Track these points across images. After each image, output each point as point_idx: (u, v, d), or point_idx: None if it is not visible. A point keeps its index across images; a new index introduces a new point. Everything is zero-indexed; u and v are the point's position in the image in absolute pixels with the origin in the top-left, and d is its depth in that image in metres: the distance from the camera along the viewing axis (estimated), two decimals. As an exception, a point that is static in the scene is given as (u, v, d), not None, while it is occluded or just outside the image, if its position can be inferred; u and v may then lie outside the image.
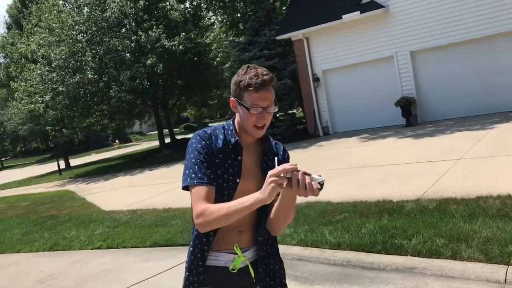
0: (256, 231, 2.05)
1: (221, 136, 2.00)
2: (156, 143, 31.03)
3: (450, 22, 13.59)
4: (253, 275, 2.03)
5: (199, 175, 1.90)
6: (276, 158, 1.87)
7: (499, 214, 4.82)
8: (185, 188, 1.96)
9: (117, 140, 45.27)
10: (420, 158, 9.00)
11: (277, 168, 1.72)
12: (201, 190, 1.88)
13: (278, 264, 2.15)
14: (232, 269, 1.99)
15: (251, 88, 1.87)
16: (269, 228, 2.06)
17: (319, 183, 1.72)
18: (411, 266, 4.19)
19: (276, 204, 1.95)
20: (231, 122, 2.05)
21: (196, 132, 2.03)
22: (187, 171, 1.93)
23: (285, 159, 2.11)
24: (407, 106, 14.40)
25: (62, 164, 25.94)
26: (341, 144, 13.41)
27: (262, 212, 2.02)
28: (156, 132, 30.97)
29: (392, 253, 4.50)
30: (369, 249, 4.68)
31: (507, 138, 9.27)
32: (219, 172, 1.94)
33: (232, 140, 1.98)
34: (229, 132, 2.01)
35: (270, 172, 1.72)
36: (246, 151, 2.01)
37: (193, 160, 1.93)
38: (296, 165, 1.72)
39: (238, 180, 1.97)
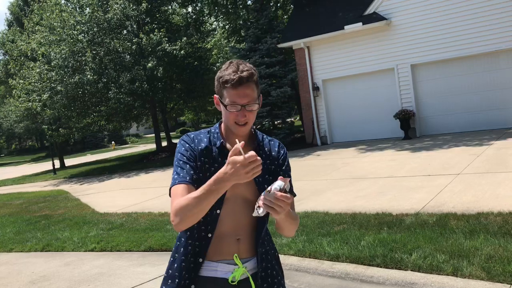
0: (256, 240, 1.96)
1: (205, 139, 1.94)
2: (152, 146, 30.93)
3: (452, 37, 13.63)
4: (254, 287, 1.93)
5: (181, 174, 1.84)
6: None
7: (500, 231, 4.77)
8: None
9: (113, 142, 45.15)
10: (419, 172, 8.96)
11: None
12: (179, 187, 1.81)
13: (278, 273, 2.06)
14: (232, 281, 1.90)
15: (228, 85, 1.81)
16: (279, 231, 1.98)
17: (280, 190, 1.64)
18: (411, 282, 4.13)
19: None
20: (217, 126, 1.99)
21: (181, 137, 1.99)
22: (173, 175, 1.88)
23: (280, 156, 2.00)
24: (406, 119, 14.39)
25: (57, 164, 25.79)
26: (339, 155, 13.37)
27: (260, 219, 1.94)
28: (152, 135, 30.85)
29: (391, 267, 4.44)
30: (369, 262, 4.62)
31: (505, 155, 9.25)
32: (207, 176, 1.84)
33: (218, 143, 1.92)
34: (215, 135, 1.95)
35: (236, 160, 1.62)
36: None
37: (176, 163, 1.89)
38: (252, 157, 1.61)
39: None
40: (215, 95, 1.92)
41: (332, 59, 16.02)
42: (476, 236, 4.73)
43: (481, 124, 13.51)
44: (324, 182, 9.40)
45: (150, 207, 9.48)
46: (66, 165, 27.89)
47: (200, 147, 1.91)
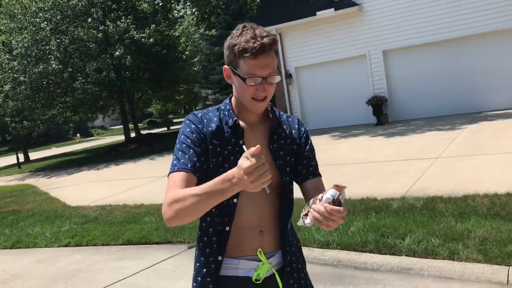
0: (281, 232, 1.73)
1: (215, 118, 1.68)
2: (118, 137, 30.23)
3: (423, 23, 13.68)
4: (280, 285, 1.72)
5: (182, 160, 1.58)
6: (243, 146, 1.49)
7: (490, 213, 4.73)
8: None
9: (78, 134, 43.96)
10: (397, 157, 8.95)
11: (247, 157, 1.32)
12: (177, 175, 1.54)
13: (303, 267, 1.88)
14: (256, 280, 1.68)
15: (247, 54, 1.54)
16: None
17: (333, 201, 1.34)
18: (407, 267, 4.03)
19: None
20: (227, 101, 1.73)
21: (186, 116, 1.72)
22: (172, 161, 1.61)
23: (301, 135, 1.79)
24: (378, 105, 14.44)
25: (21, 158, 24.90)
26: (314, 142, 13.23)
27: (285, 208, 1.73)
28: (119, 126, 30.16)
29: (385, 253, 4.33)
30: (361, 249, 4.50)
31: (480, 139, 9.34)
32: (219, 161, 1.62)
33: (230, 121, 1.66)
34: (226, 113, 1.70)
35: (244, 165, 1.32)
36: (249, 132, 1.69)
37: (178, 145, 1.62)
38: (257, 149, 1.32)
39: None
40: (225, 66, 1.65)
41: (305, 46, 15.88)
42: (467, 218, 4.68)
43: (452, 109, 13.65)
44: (302, 169, 9.27)
45: (124, 199, 9.17)
46: (30, 158, 26.96)
47: (210, 128, 1.65)
